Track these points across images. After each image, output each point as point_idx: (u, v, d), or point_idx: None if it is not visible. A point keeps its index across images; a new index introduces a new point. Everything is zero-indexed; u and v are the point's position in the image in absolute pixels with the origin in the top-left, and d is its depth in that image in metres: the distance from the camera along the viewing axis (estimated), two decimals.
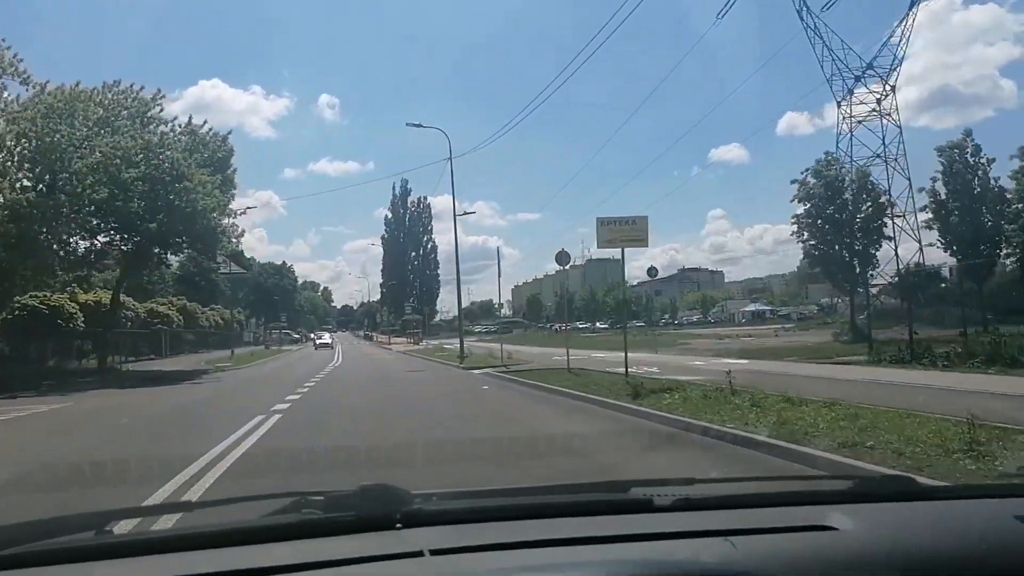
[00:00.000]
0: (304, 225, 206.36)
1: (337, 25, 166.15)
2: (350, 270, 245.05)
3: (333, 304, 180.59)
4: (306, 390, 16.84)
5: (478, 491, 1.93)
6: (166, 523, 2.28)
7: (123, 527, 1.80)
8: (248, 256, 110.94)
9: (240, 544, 1.40)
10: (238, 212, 29.95)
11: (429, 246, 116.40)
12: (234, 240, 31.83)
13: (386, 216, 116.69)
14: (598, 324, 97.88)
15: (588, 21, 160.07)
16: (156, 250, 29.97)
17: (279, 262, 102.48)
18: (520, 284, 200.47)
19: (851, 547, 1.39)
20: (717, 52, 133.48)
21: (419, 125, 28.69)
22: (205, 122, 29.77)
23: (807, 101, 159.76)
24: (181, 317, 52.86)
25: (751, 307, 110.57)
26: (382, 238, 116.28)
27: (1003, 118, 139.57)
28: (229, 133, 30.22)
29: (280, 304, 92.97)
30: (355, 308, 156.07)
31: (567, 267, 18.17)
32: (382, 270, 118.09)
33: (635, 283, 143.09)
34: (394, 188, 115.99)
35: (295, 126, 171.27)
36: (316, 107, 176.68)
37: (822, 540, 1.41)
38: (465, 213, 36.13)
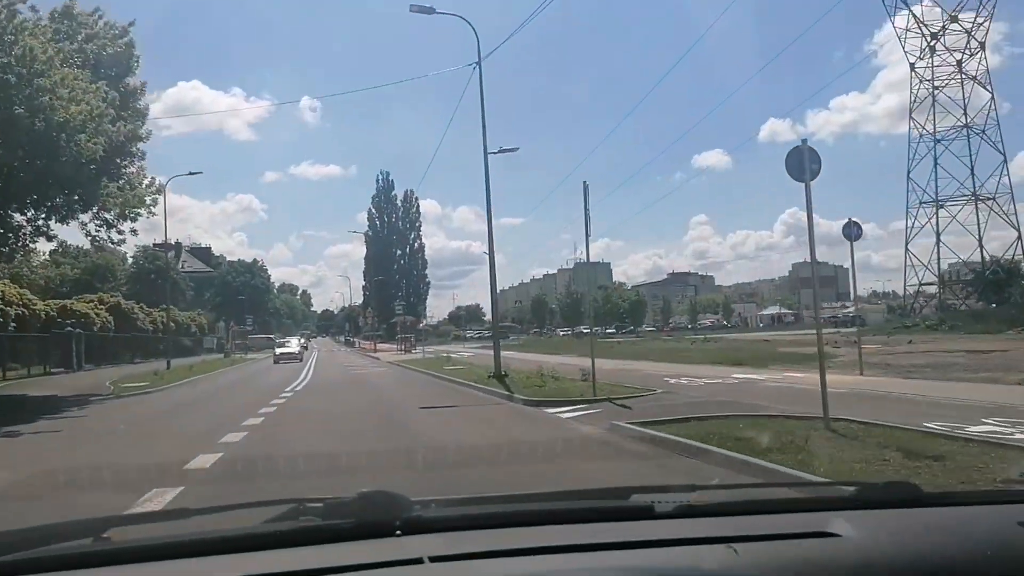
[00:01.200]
0: (285, 229, 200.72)
1: (319, 27, 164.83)
2: (331, 275, 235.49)
3: (313, 309, 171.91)
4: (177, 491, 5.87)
5: (478, 498, 1.79)
6: (163, 530, 1.73)
7: (120, 534, 1.63)
8: (217, 255, 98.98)
9: (238, 551, 1.35)
10: (143, 138, 18.60)
11: (416, 244, 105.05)
12: (146, 197, 20.35)
13: (369, 211, 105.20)
14: (606, 329, 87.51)
15: (582, 25, 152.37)
16: (23, 215, 18.80)
17: (266, 270, 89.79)
18: (506, 289, 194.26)
19: (853, 554, 1.35)
20: (703, 60, 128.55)
21: (431, 11, 16.99)
22: (97, 9, 18.54)
23: (791, 109, 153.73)
24: (112, 318, 41.22)
25: (769, 311, 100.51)
26: (365, 235, 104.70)
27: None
28: (131, 24, 18.93)
29: (248, 305, 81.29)
30: (336, 313, 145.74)
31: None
32: (364, 271, 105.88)
33: (628, 286, 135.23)
34: (377, 180, 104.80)
35: (276, 129, 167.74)
36: (297, 109, 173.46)
37: (824, 547, 1.37)
38: (504, 150, 21.88)
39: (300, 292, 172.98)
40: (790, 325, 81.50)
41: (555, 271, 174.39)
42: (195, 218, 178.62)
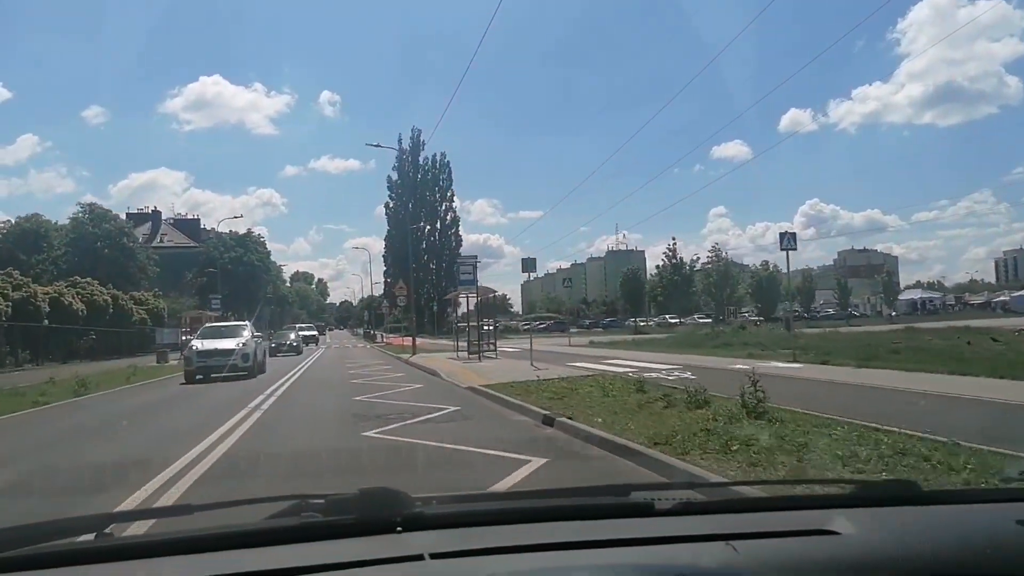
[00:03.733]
0: (305, 223, 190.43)
1: (338, 21, 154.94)
2: (351, 268, 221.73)
3: (330, 301, 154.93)
4: None
5: (479, 495, 1.76)
6: (166, 526, 1.71)
7: (123, 529, 1.60)
8: (207, 228, 77.61)
9: (241, 547, 1.32)
10: None
11: (448, 217, 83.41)
12: None
13: (389, 178, 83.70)
14: (697, 317, 65.91)
15: (593, 19, 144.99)
16: None
17: (265, 245, 67.63)
18: (531, 279, 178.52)
19: (853, 552, 1.31)
20: (719, 48, 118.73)
21: None
22: None
23: (811, 97, 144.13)
24: None
25: (907, 295, 77.90)
26: (385, 206, 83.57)
27: (1008, 115, 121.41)
28: None
29: (240, 287, 60.09)
30: (355, 304, 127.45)
31: None
32: (384, 254, 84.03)
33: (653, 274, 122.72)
34: (400, 141, 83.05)
35: (296, 123, 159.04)
36: (317, 104, 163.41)
37: (824, 544, 1.33)
38: None
39: (316, 281, 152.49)
40: (942, 312, 59.20)
41: (584, 261, 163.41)
42: (217, 212, 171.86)
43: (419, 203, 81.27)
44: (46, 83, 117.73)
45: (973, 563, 1.28)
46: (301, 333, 44.45)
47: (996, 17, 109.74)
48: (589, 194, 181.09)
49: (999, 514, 1.50)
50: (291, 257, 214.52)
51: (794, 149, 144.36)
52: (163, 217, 71.26)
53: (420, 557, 1.23)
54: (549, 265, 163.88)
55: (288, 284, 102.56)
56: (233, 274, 60.94)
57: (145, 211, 70.24)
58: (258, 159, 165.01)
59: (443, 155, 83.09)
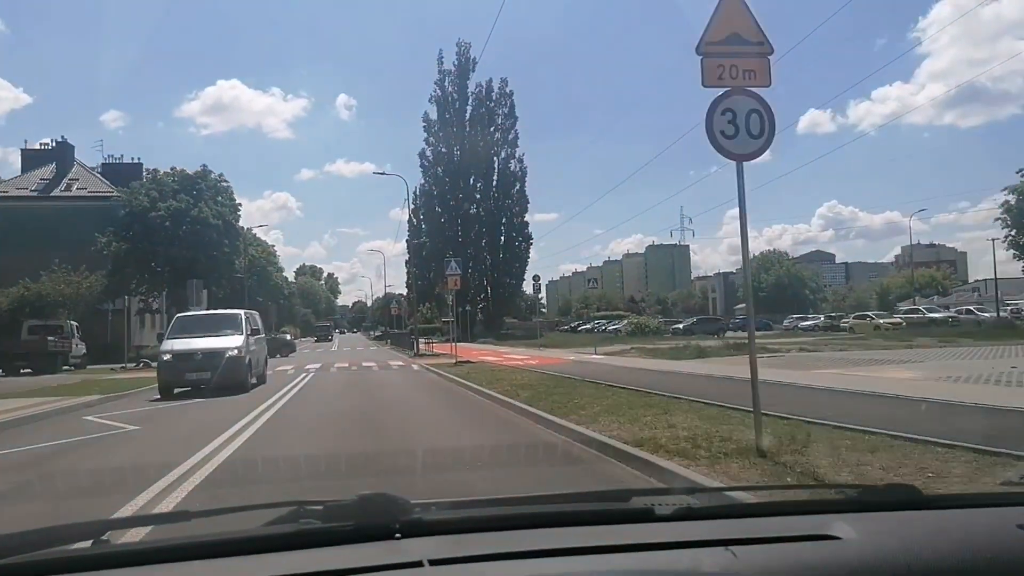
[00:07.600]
0: (320, 226, 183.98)
1: (356, 25, 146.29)
2: (366, 271, 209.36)
3: (342, 303, 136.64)
4: None
5: (478, 500, 1.74)
6: (163, 533, 1.75)
7: (120, 536, 1.56)
8: (148, 168, 49.29)
9: (238, 554, 1.30)
10: None
11: (513, 168, 56.27)
12: None
13: (425, 115, 56.70)
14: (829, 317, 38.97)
15: (611, 21, 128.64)
16: None
17: (231, 194, 39.84)
18: (556, 280, 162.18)
19: (853, 557, 1.29)
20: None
21: None
22: None
23: (831, 98, 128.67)
24: None
25: None
26: (420, 155, 56.71)
27: None
28: None
29: (166, 251, 33.64)
30: (369, 304, 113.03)
31: None
32: (408, 239, 55.75)
33: (708, 274, 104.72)
34: (440, 59, 56.53)
35: (312, 127, 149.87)
36: (333, 108, 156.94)
37: (824, 550, 1.31)
38: None
39: (325, 276, 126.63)
40: None
41: (612, 260, 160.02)
42: None
43: (468, 145, 54.45)
44: (65, 88, 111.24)
45: (975, 568, 1.25)
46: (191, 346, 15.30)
47: (1022, 15, 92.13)
48: (606, 197, 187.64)
49: (1001, 518, 1.47)
50: (306, 260, 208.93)
51: (812, 150, 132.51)
52: (78, 161, 44.13)
53: (419, 564, 1.20)
54: (562, 268, 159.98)
55: (281, 271, 76.03)
56: (172, 236, 34.25)
57: (47, 146, 43.36)
58: (274, 163, 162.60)
59: (504, 81, 56.04)
